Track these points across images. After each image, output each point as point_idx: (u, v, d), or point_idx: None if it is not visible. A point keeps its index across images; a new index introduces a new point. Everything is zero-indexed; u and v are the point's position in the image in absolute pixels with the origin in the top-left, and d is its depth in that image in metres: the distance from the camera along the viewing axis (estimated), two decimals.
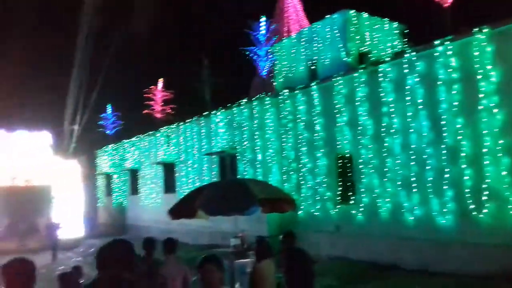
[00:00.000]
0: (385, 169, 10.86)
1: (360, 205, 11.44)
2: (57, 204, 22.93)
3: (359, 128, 11.49)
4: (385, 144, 10.87)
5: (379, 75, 11.11)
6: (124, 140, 22.85)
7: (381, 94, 11.02)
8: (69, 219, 21.37)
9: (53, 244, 14.93)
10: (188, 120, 17.65)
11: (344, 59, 14.12)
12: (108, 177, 24.53)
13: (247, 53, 17.82)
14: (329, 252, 11.78)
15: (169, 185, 18.91)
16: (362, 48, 14.58)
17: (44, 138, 23.80)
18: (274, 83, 16.97)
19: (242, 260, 7.26)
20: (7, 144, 22.60)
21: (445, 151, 9.62)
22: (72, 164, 24.35)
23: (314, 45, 15.12)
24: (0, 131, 22.72)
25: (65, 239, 18.21)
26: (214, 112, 16.26)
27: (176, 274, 5.34)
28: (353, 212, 11.60)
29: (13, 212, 22.20)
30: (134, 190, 21.90)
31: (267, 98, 13.99)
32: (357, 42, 14.50)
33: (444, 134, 9.63)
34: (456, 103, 9.46)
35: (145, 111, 24.51)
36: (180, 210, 7.32)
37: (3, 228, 21.67)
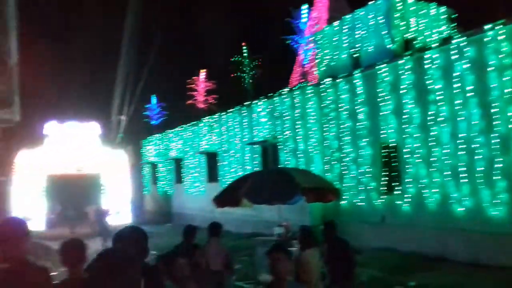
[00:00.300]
0: (432, 159, 10.56)
1: (406, 195, 11.20)
2: (106, 192, 23.84)
3: (404, 116, 11.22)
4: (432, 133, 10.56)
5: (426, 61, 10.76)
6: (168, 130, 23.36)
7: (427, 82, 10.69)
8: (117, 206, 22.17)
9: (103, 230, 15.52)
10: (230, 110, 17.80)
11: (388, 46, 13.76)
12: (154, 166, 25.20)
13: (289, 42, 17.71)
14: (373, 243, 11.64)
15: (212, 175, 19.20)
16: (407, 35, 14.14)
17: (93, 128, 24.70)
18: (316, 72, 16.79)
19: (290, 248, 7.27)
20: (59, 134, 23.62)
21: (496, 140, 9.23)
22: (119, 154, 25.19)
23: (357, 32, 14.81)
24: (52, 122, 23.76)
25: (113, 226, 18.93)
26: (255, 101, 16.31)
27: (217, 254, 5.69)
28: (399, 202, 11.37)
29: (64, 199, 23.30)
30: (179, 179, 22.39)
31: (309, 87, 13.88)
32: (402, 28, 14.07)
33: (496, 122, 9.24)
34: (508, 90, 9.04)
35: (188, 101, 24.94)
36: (225, 199, 7.45)
37: (55, 215, 22.79)
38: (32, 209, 22.47)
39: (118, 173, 24.45)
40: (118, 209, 22.08)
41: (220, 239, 5.85)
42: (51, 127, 23.54)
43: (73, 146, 23.58)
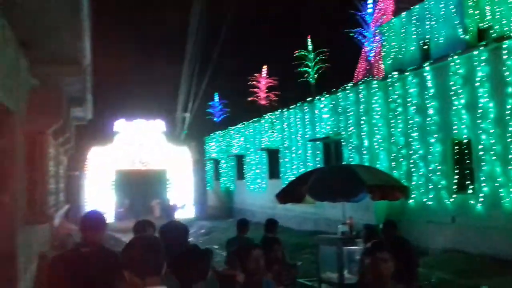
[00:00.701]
0: (509, 156, 9.82)
1: (480, 194, 10.51)
2: (171, 187, 24.61)
3: (479, 111, 10.52)
4: (509, 128, 9.82)
5: (503, 52, 10.03)
6: (230, 127, 23.65)
7: (505, 74, 9.95)
8: (182, 201, 22.81)
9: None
10: (292, 106, 17.67)
11: (461, 36, 12.98)
12: (216, 162, 25.63)
13: (353, 35, 17.24)
14: (443, 244, 11.06)
15: (274, 171, 19.18)
16: (482, 24, 13.26)
17: (158, 126, 25.59)
18: (382, 66, 16.22)
19: (350, 247, 7.06)
20: (127, 132, 24.70)
21: None
22: (183, 150, 25.90)
23: (427, 23, 14.10)
24: (121, 120, 24.89)
25: (178, 220, 19.45)
26: (318, 97, 16.06)
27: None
28: (471, 202, 10.70)
29: (132, 194, 24.33)
30: (240, 175, 22.61)
31: (375, 82, 13.42)
32: (476, 17, 13.21)
33: None
34: None
35: (250, 98, 25.08)
36: (288, 195, 7.36)
37: (123, 209, 23.87)
38: (102, 202, 23.69)
39: (182, 169, 25.16)
40: (184, 202, 22.68)
41: (274, 234, 6.10)
42: (120, 125, 24.66)
43: (140, 143, 24.56)
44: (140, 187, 23.51)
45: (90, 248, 3.36)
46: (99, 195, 23.52)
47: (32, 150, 7.31)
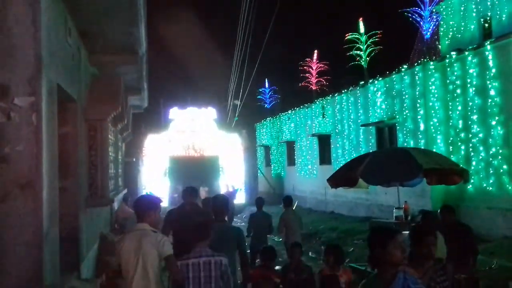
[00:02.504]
0: None
1: None
2: (224, 174, 25.03)
3: None
4: None
5: None
6: (280, 113, 23.62)
7: None
8: (237, 185, 23.14)
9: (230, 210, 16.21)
10: (343, 91, 17.37)
11: None
12: (267, 148, 25.74)
13: (409, 15, 16.59)
14: (504, 231, 10.57)
15: (325, 157, 19.02)
16: None
17: (210, 113, 26.02)
18: (439, 46, 15.55)
19: (405, 232, 6.90)
20: (181, 119, 25.31)
21: None
22: (234, 137, 26.20)
23: None
24: (174, 108, 25.54)
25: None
26: (371, 81, 15.67)
27: (292, 220, 7.12)
28: None
29: (185, 180, 24.95)
30: (291, 161, 22.60)
31: (431, 63, 12.89)
32: None
33: None
34: None
35: (301, 83, 24.90)
36: (340, 178, 7.27)
37: (177, 194, 24.56)
38: (158, 188, 24.51)
39: (233, 156, 25.48)
40: (239, 186, 22.99)
41: (292, 207, 7.34)
42: (174, 113, 25.31)
43: (192, 130, 25.10)
44: (193, 173, 24.01)
45: (142, 228, 4.04)
46: (155, 180, 24.35)
47: (93, 136, 7.65)
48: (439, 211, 6.28)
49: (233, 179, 23.50)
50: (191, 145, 25.05)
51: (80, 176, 6.49)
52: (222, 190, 20.18)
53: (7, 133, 3.90)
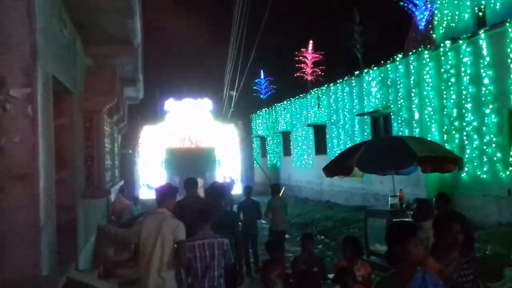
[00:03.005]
0: None
1: None
2: (220, 165, 25.07)
3: None
4: None
5: None
6: (276, 104, 23.63)
7: None
8: (233, 176, 23.19)
9: (228, 202, 16.20)
10: (339, 81, 17.39)
11: None
12: (263, 139, 25.78)
13: (403, 4, 16.57)
14: (498, 218, 10.69)
15: (320, 147, 19.09)
16: None
17: (206, 104, 25.99)
18: (434, 35, 15.56)
19: (400, 219, 6.99)
20: (176, 111, 25.28)
21: None
22: (230, 128, 26.21)
23: None
24: (170, 100, 25.48)
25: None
26: (366, 70, 15.69)
27: (278, 207, 7.39)
28: None
29: (182, 171, 24.96)
30: (287, 151, 22.66)
31: (426, 52, 12.91)
32: None
33: None
34: None
35: (296, 74, 24.87)
36: (335, 167, 7.33)
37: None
38: (154, 179, 24.51)
39: (229, 146, 25.52)
40: (236, 178, 23.05)
41: (279, 195, 7.67)
42: (169, 104, 25.26)
43: (188, 121, 25.08)
44: (189, 164, 24.03)
45: (163, 213, 4.64)
46: (151, 172, 24.36)
47: (89, 128, 7.66)
48: (434, 199, 6.33)
49: (229, 170, 23.56)
50: (187, 137, 25.05)
51: (77, 167, 6.51)
52: (219, 181, 20.23)
53: (3, 125, 3.91)
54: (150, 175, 24.45)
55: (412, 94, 13.10)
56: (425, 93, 12.79)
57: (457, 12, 14.10)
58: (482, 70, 11.31)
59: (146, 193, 23.00)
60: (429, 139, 11.40)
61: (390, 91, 14.20)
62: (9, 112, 3.91)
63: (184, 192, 6.47)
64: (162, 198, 4.72)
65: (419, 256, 2.56)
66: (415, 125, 12.99)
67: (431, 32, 15.95)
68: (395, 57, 13.92)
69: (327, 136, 18.30)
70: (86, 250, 7.48)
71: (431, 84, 12.77)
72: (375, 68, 15.01)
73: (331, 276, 5.19)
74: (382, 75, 14.62)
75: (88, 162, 7.65)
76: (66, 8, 5.53)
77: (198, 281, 4.44)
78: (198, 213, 4.72)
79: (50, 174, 4.59)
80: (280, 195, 10.01)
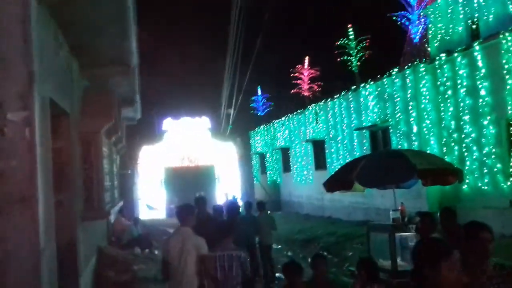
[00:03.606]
0: None
1: None
2: (220, 183, 25.00)
3: None
4: None
5: None
6: (274, 120, 23.68)
7: None
8: (234, 197, 23.11)
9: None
10: (336, 96, 17.46)
11: None
12: (262, 156, 25.77)
13: (397, 19, 16.75)
14: (500, 230, 10.58)
15: (320, 162, 19.07)
16: None
17: (203, 123, 26.05)
18: (429, 49, 15.71)
19: (402, 233, 6.93)
20: (174, 130, 25.32)
21: None
22: (229, 146, 26.22)
23: (475, 1, 13.50)
24: (168, 119, 25.54)
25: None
26: (363, 85, 15.78)
27: (264, 223, 7.27)
28: None
29: (181, 190, 24.86)
30: (286, 168, 22.62)
31: (422, 65, 13.01)
32: None
33: None
34: None
35: (293, 90, 24.99)
36: (336, 182, 7.28)
37: (174, 205, 24.48)
38: (154, 199, 24.42)
39: (229, 164, 25.48)
40: (237, 196, 22.93)
41: (265, 211, 7.52)
42: (168, 123, 25.32)
43: (187, 140, 25.11)
44: (189, 183, 23.97)
45: (184, 229, 5.20)
46: (151, 192, 24.28)
47: (87, 149, 7.63)
48: (439, 214, 6.26)
49: (230, 188, 23.48)
50: (186, 155, 25.04)
51: (76, 189, 6.47)
52: (221, 199, 20.13)
53: (1, 149, 3.89)
54: (150, 195, 24.37)
55: (410, 107, 13.15)
56: (422, 106, 12.84)
57: (450, 25, 14.26)
58: (478, 82, 11.39)
59: (146, 213, 22.91)
60: (428, 151, 11.41)
61: (387, 105, 14.25)
62: (7, 136, 3.90)
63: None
64: (183, 217, 5.21)
65: (451, 281, 2.35)
66: (413, 138, 13.01)
67: (426, 45, 16.11)
68: (391, 71, 14.01)
69: (326, 151, 18.29)
70: (87, 272, 7.39)
71: (428, 97, 12.83)
72: (371, 82, 15.10)
73: None
74: (379, 89, 14.69)
75: (87, 183, 7.60)
76: (62, 31, 5.56)
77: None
78: (221, 227, 5.36)
79: (49, 197, 4.55)
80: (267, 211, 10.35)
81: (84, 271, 6.97)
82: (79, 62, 7.07)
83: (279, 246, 13.39)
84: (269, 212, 10.55)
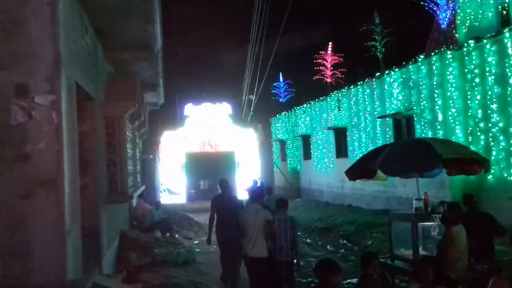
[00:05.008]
0: None
1: None
2: (240, 169, 25.10)
3: None
4: None
5: None
6: (296, 107, 23.53)
7: None
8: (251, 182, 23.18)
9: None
10: (359, 83, 17.21)
11: None
12: (282, 143, 25.71)
13: (425, 3, 16.30)
14: None
15: (341, 150, 18.90)
16: None
17: (225, 109, 26.09)
18: (456, 35, 15.27)
19: (425, 223, 6.82)
20: (196, 115, 25.44)
21: None
22: (250, 132, 26.23)
23: None
24: (189, 105, 25.66)
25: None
26: (387, 72, 15.49)
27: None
28: None
29: (202, 175, 25.07)
30: (307, 155, 22.51)
31: (449, 52, 12.67)
32: None
33: None
34: None
35: (316, 76, 24.72)
36: (358, 170, 7.19)
37: (194, 191, 24.70)
38: (175, 184, 24.70)
39: (249, 151, 25.53)
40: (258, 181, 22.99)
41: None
42: (189, 109, 25.45)
43: (208, 126, 25.21)
44: (209, 169, 24.15)
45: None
46: (172, 177, 24.55)
47: (111, 134, 7.73)
48: (463, 201, 6.21)
49: (252, 174, 23.52)
50: (207, 141, 25.17)
51: (100, 173, 6.57)
52: (245, 185, 20.16)
53: (28, 132, 3.96)
54: (171, 180, 24.64)
55: (435, 95, 12.87)
56: (448, 94, 12.55)
57: (480, 11, 13.81)
58: (507, 70, 11.04)
59: (167, 198, 23.19)
60: (453, 140, 11.17)
61: (412, 93, 13.97)
62: (34, 119, 3.96)
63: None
64: (254, 197, 7.22)
65: None
66: (438, 126, 12.75)
67: (454, 31, 15.66)
68: (417, 57, 13.70)
69: (348, 139, 18.11)
70: (110, 255, 7.53)
71: (454, 85, 12.52)
72: (396, 69, 14.81)
73: None
74: (403, 76, 14.41)
75: (111, 167, 7.71)
76: (88, 15, 5.59)
77: (278, 242, 6.66)
78: (279, 201, 7.11)
79: (75, 180, 4.63)
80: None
81: (107, 253, 7.10)
82: (104, 47, 7.12)
83: (298, 233, 13.41)
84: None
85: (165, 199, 22.11)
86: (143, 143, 18.28)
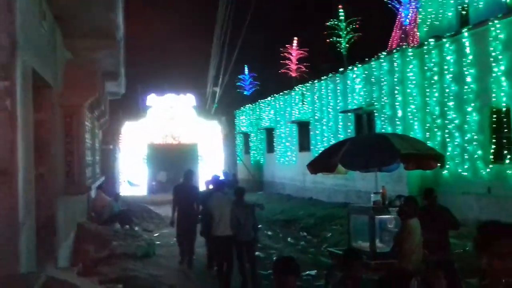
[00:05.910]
0: None
1: None
2: (203, 161, 24.91)
3: None
4: None
5: None
6: (260, 100, 23.58)
7: None
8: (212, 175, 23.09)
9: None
10: (323, 78, 17.42)
11: (502, 0, 12.37)
12: (246, 136, 25.73)
13: (388, 1, 16.67)
14: (478, 215, 10.82)
15: (304, 144, 19.12)
16: None
17: (188, 100, 25.77)
18: (418, 33, 15.71)
19: (382, 216, 7.01)
20: (159, 106, 25.01)
21: None
22: (214, 124, 26.07)
23: None
24: (152, 95, 25.19)
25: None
26: (350, 67, 15.75)
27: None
28: (509, 172, 10.40)
29: (164, 167, 24.72)
30: (270, 148, 22.66)
31: (410, 50, 13.02)
32: None
33: None
34: None
35: (281, 70, 24.85)
36: (319, 164, 7.31)
37: (156, 183, 24.35)
38: (136, 175, 24.26)
39: (213, 143, 25.38)
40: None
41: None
42: (151, 100, 24.96)
43: (171, 117, 24.84)
44: (171, 161, 23.84)
45: None
46: (133, 168, 24.09)
47: (69, 123, 7.49)
48: (423, 195, 6.44)
49: (216, 167, 23.40)
50: (170, 133, 24.82)
51: (56, 163, 6.36)
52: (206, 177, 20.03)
53: None
54: (131, 171, 24.18)
55: (396, 92, 13.20)
56: (408, 90, 12.90)
57: (441, 11, 14.24)
58: (464, 69, 11.46)
59: (128, 189, 22.77)
60: (411, 136, 11.50)
61: (374, 89, 14.28)
62: None
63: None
64: (218, 186, 8.35)
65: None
66: (398, 122, 13.10)
67: (415, 30, 16.10)
68: (379, 54, 13.99)
69: (311, 133, 18.34)
70: (66, 247, 7.33)
71: (414, 82, 12.89)
72: (359, 65, 15.08)
73: None
74: (366, 72, 14.70)
75: (68, 158, 7.48)
76: (46, 0, 5.37)
77: (241, 224, 7.36)
78: (237, 190, 7.93)
79: (29, 170, 4.46)
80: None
81: (63, 246, 6.91)
82: (63, 33, 6.87)
83: (260, 226, 13.49)
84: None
85: (125, 190, 21.69)
86: (103, 133, 17.84)
